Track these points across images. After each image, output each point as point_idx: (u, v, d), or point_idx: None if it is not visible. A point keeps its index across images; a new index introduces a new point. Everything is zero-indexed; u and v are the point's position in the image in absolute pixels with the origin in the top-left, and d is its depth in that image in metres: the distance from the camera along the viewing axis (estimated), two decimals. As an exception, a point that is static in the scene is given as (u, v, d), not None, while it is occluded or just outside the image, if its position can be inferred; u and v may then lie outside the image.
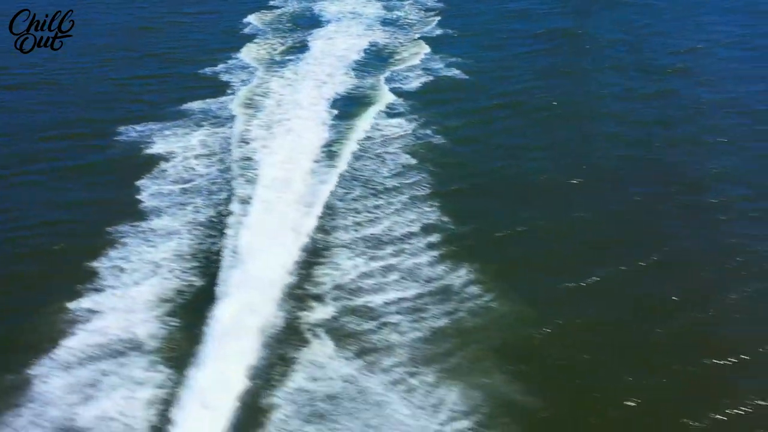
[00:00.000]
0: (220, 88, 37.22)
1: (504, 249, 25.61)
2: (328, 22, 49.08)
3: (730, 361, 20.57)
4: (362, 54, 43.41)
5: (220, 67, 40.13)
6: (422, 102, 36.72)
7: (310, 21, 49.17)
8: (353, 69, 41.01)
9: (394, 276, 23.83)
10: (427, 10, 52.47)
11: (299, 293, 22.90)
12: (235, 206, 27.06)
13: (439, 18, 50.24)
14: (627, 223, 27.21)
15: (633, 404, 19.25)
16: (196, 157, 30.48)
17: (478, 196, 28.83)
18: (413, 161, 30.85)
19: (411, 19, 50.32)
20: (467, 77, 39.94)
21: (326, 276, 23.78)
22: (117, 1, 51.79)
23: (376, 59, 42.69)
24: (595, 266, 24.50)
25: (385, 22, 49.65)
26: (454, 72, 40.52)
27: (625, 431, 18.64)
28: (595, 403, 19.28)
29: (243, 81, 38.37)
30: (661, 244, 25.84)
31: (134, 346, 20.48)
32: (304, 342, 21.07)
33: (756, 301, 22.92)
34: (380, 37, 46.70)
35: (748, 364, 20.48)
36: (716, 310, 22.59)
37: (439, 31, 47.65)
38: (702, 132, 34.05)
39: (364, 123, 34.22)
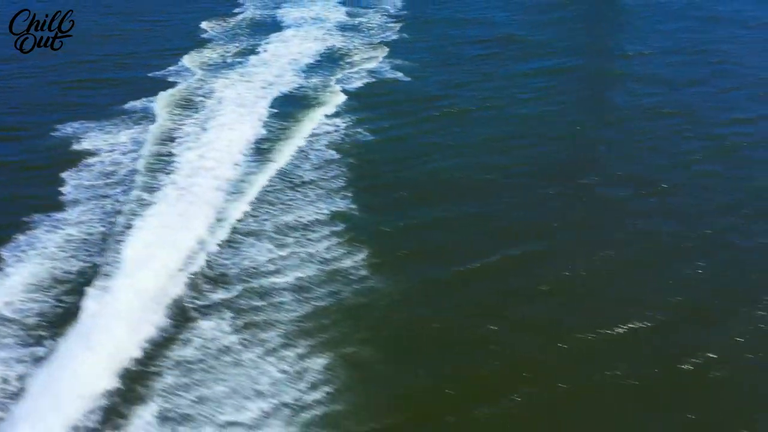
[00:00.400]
0: (165, 90, 38.52)
1: (405, 237, 26.83)
2: (288, 27, 50.54)
3: (579, 339, 21.77)
4: (315, 57, 44.82)
5: (171, 69, 41.56)
6: (361, 103, 38.04)
7: (269, 26, 50.64)
8: (302, 71, 42.37)
9: (293, 260, 25.09)
10: (390, 16, 53.94)
11: (199, 275, 24.21)
12: (152, 195, 28.40)
13: (399, 24, 51.62)
14: (531, 215, 28.38)
15: (488, 373, 20.51)
16: (125, 152, 31.84)
17: (392, 190, 30.07)
18: (337, 156, 32.17)
19: (372, 25, 51.72)
20: (410, 80, 41.29)
21: (229, 259, 25.10)
22: (83, 7, 53.38)
23: (327, 62, 44.09)
24: (487, 254, 25.75)
25: (345, 28, 51.07)
26: (399, 75, 41.87)
27: (477, 399, 19.72)
28: (450, 375, 20.50)
29: (189, 82, 39.75)
30: (557, 235, 27.02)
31: (18, 324, 21.70)
32: (193, 318, 22.32)
33: (624, 291, 24.04)
34: (337, 41, 48.08)
35: (596, 344, 21.70)
36: (585, 296, 23.77)
37: (395, 37, 49.03)
38: (626, 133, 35.32)
39: (299, 121, 35.59)
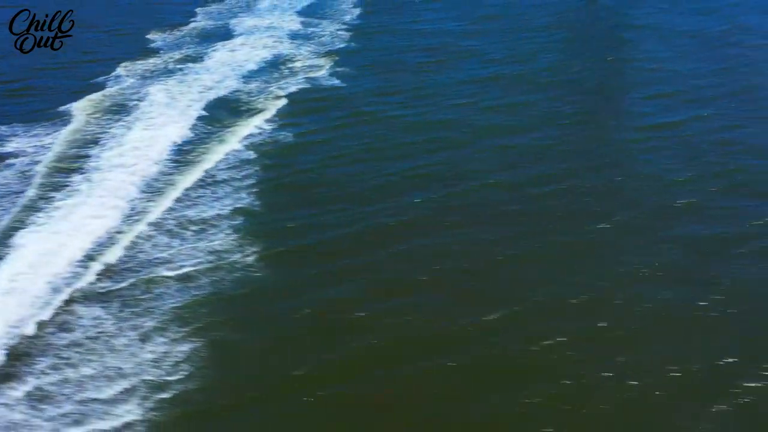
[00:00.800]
0: (99, 93, 39.62)
1: (300, 234, 27.74)
2: (239, 35, 51.60)
3: (445, 326, 22.81)
4: (259, 64, 45.87)
5: (111, 75, 42.67)
6: (293, 108, 39.02)
7: (220, 35, 51.64)
8: (243, 77, 43.43)
9: (186, 252, 26.07)
10: (344, 25, 54.97)
11: (94, 264, 25.22)
12: (65, 190, 29.56)
13: (351, 33, 52.68)
14: (423, 214, 29.04)
15: (348, 356, 21.64)
16: (48, 153, 32.85)
17: (300, 190, 30.95)
18: (254, 157, 33.22)
19: (324, 34, 52.77)
20: (347, 86, 42.33)
21: (126, 250, 26.08)
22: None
23: (270, 69, 45.16)
24: (375, 249, 26.76)
25: (296, 36, 52.14)
26: (337, 82, 42.92)
27: (332, 380, 20.78)
28: (309, 357, 21.49)
29: (124, 87, 40.86)
30: (444, 234, 27.73)
31: None
32: (78, 305, 23.33)
33: (491, 284, 24.96)
34: (286, 49, 49.14)
35: (460, 330, 22.70)
36: (459, 288, 24.76)
37: (343, 45, 50.13)
38: (541, 139, 35.88)
39: (227, 124, 36.68)
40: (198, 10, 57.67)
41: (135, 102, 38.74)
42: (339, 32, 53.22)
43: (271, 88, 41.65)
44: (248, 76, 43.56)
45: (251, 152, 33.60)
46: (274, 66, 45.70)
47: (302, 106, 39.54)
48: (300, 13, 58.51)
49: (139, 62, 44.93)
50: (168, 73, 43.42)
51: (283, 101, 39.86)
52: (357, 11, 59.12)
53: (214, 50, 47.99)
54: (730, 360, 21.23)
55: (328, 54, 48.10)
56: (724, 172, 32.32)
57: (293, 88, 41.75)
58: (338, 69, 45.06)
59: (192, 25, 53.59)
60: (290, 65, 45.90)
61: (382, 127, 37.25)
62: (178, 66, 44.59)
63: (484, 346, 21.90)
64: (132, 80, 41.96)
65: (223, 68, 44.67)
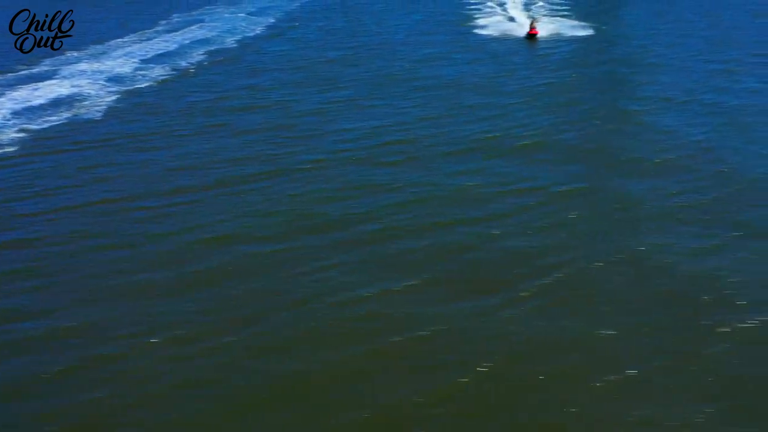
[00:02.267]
0: None
1: None
2: (60, 77, 55.51)
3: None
4: (44, 102, 49.36)
5: None
6: (26, 143, 42.01)
7: (42, 77, 55.59)
8: (13, 113, 46.98)
9: None
10: (174, 71, 58.40)
11: None
12: None
13: (170, 78, 56.04)
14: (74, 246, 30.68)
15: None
16: None
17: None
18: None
19: (144, 78, 56.01)
20: (115, 122, 45.46)
21: None
22: None
23: (48, 106, 48.45)
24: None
25: (114, 78, 55.58)
26: (97, 117, 46.15)
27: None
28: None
29: None
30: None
31: None
32: None
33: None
34: (90, 89, 52.75)
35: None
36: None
37: (147, 84, 53.60)
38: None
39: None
40: (46, 58, 61.39)
41: None
42: (160, 77, 56.51)
43: (25, 123, 44.97)
44: (18, 112, 47.04)
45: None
46: (56, 105, 49.11)
47: (39, 142, 42.34)
48: (146, 60, 62.11)
49: None
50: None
51: (23, 134, 43.12)
52: (200, 58, 62.65)
53: (16, 90, 51.91)
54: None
55: (126, 95, 51.39)
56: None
57: (46, 125, 44.92)
58: (118, 106, 48.42)
59: (23, 70, 57.53)
60: (76, 104, 49.28)
61: (117, 155, 39.71)
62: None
63: None
64: None
65: (8, 103, 48.39)
